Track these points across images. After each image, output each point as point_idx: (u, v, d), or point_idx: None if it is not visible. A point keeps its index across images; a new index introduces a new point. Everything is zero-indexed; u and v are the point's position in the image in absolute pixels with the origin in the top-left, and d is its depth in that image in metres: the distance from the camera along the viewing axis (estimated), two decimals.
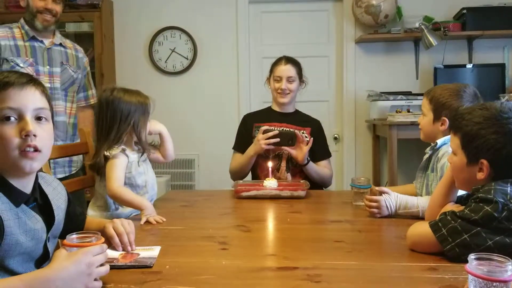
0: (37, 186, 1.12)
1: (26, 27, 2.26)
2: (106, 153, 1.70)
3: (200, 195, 2.14)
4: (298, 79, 2.29)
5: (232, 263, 1.17)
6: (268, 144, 2.10)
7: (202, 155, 3.83)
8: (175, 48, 3.82)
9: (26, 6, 2.27)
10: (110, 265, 1.03)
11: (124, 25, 3.84)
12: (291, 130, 2.16)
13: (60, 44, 2.38)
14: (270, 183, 1.94)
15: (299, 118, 2.35)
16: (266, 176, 2.07)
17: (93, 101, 2.54)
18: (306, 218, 1.67)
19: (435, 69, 3.44)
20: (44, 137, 1.04)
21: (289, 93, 2.27)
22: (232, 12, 3.78)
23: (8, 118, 0.99)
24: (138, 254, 1.16)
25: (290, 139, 2.10)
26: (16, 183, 1.04)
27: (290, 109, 2.35)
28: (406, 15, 3.54)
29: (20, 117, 1.01)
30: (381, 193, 1.61)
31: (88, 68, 2.57)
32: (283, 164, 2.18)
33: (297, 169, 2.24)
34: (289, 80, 2.26)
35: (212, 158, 3.80)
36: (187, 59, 3.83)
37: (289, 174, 2.21)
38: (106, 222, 1.27)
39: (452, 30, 3.38)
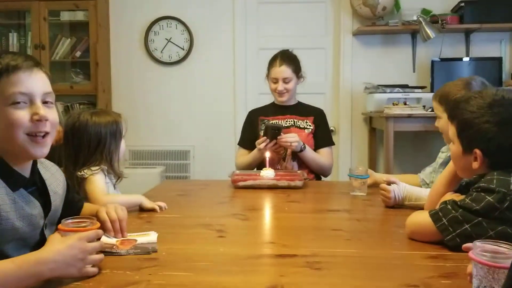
0: (36, 171, 1.10)
1: None
2: (80, 173, 1.52)
3: (196, 185, 2.12)
4: (295, 77, 2.28)
5: (229, 250, 1.15)
6: (268, 145, 2.11)
7: (198, 146, 3.80)
8: (171, 38, 3.78)
9: None
10: (110, 252, 1.03)
11: (119, 14, 3.78)
12: (277, 124, 2.20)
13: None
14: (267, 173, 1.92)
15: (302, 109, 2.36)
16: (270, 166, 2.05)
17: None
18: (304, 208, 1.66)
19: (432, 62, 3.43)
20: (52, 120, 1.03)
21: (286, 92, 2.28)
22: (229, 3, 3.74)
23: (19, 103, 0.98)
24: (136, 241, 1.14)
25: (276, 131, 2.11)
26: (16, 166, 1.02)
27: (291, 102, 2.37)
28: (404, 8, 3.52)
29: (31, 102, 1.00)
30: (389, 183, 1.59)
31: None
32: (289, 152, 2.17)
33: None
34: (285, 81, 2.26)
35: (208, 149, 3.78)
36: (183, 49, 3.78)
37: (295, 163, 2.20)
38: (100, 207, 1.25)
39: (449, 23, 3.36)
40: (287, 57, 2.29)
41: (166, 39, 3.78)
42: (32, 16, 3.60)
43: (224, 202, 1.77)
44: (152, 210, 1.52)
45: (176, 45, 3.78)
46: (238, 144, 2.41)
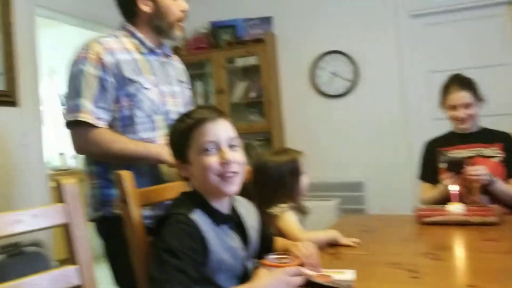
0: (233, 207, 1.24)
1: (139, 35, 1.68)
2: (271, 210, 1.60)
3: (378, 220, 2.08)
4: (475, 101, 2.10)
5: None
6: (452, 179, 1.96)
7: (371, 178, 3.75)
8: (336, 71, 3.87)
9: (154, 10, 1.66)
10: (312, 281, 1.09)
11: (286, 54, 4.05)
12: (457, 157, 2.05)
13: (168, 56, 1.80)
14: (456, 208, 1.78)
15: (486, 135, 2.14)
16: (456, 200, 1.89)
17: None
18: (503, 247, 1.48)
19: None
20: (238, 161, 1.17)
21: (469, 118, 2.10)
22: (392, 29, 3.70)
23: (208, 150, 1.14)
24: (330, 276, 1.17)
25: (458, 164, 1.96)
26: (216, 205, 1.17)
27: (474, 129, 2.16)
28: None
29: (218, 148, 1.15)
30: None
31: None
32: (477, 186, 1.98)
33: None
34: (466, 106, 2.09)
35: (382, 180, 3.70)
36: (349, 81, 3.83)
37: (485, 196, 1.99)
38: (290, 244, 1.32)
39: None
40: (463, 81, 2.13)
41: (331, 72, 3.89)
42: (212, 65, 4.10)
43: (410, 239, 1.69)
44: (347, 246, 1.54)
45: (342, 77, 3.86)
46: (420, 178, 2.27)
